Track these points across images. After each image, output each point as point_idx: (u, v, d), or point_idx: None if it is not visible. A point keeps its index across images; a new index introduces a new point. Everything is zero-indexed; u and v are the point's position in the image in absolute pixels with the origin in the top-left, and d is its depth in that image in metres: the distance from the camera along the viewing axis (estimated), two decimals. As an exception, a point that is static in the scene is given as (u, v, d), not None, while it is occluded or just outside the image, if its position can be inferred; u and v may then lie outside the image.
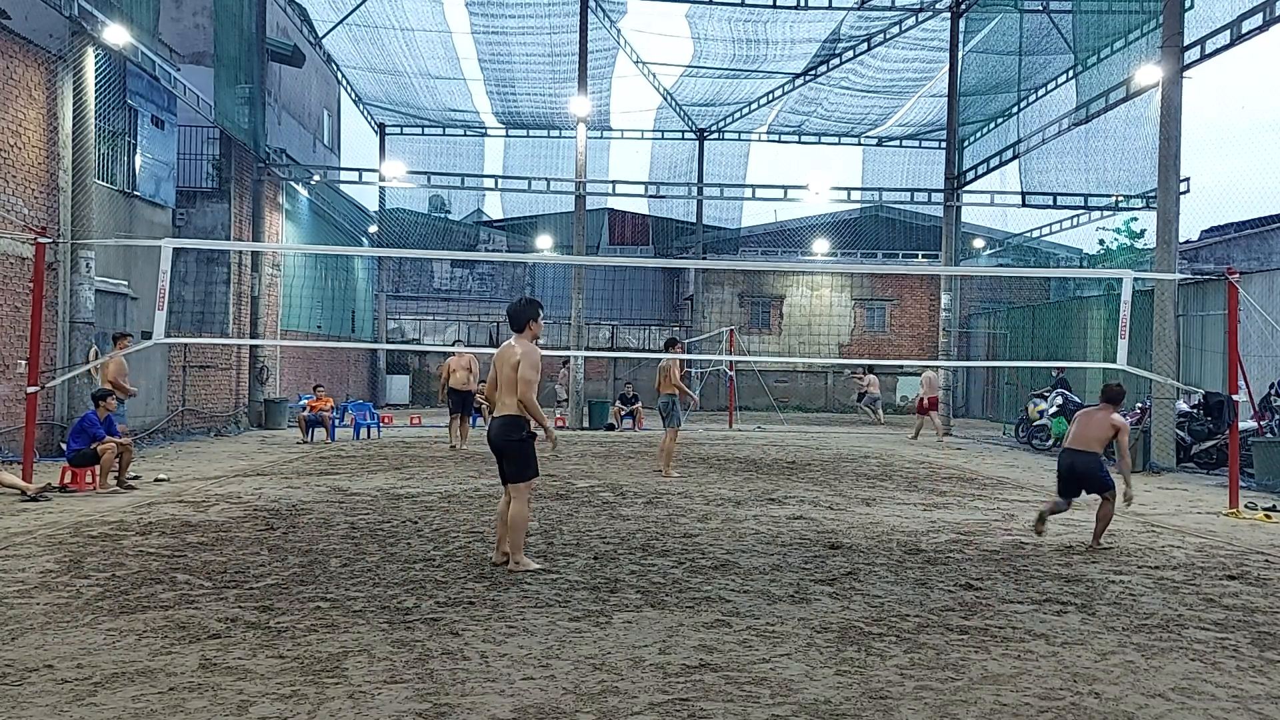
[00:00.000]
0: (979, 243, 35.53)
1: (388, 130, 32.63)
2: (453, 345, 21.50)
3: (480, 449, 16.26)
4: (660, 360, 13.03)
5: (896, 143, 33.51)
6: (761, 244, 38.05)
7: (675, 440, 12.72)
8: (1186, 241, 25.10)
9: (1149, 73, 16.60)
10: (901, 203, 33.73)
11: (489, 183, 29.29)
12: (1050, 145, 21.72)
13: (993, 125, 26.58)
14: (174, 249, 10.83)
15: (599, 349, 33.42)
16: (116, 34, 14.12)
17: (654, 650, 4.73)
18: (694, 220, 36.19)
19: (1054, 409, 17.91)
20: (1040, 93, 23.81)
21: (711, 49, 27.55)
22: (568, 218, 26.71)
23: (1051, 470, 9.44)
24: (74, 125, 14.22)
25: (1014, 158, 23.08)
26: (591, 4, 23.99)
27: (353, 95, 30.80)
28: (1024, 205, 24.57)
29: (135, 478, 10.86)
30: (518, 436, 6.50)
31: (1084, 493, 8.04)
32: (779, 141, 33.92)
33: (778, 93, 30.35)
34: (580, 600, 5.73)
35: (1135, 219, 33.55)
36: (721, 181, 31.96)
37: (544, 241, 36.73)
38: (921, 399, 21.58)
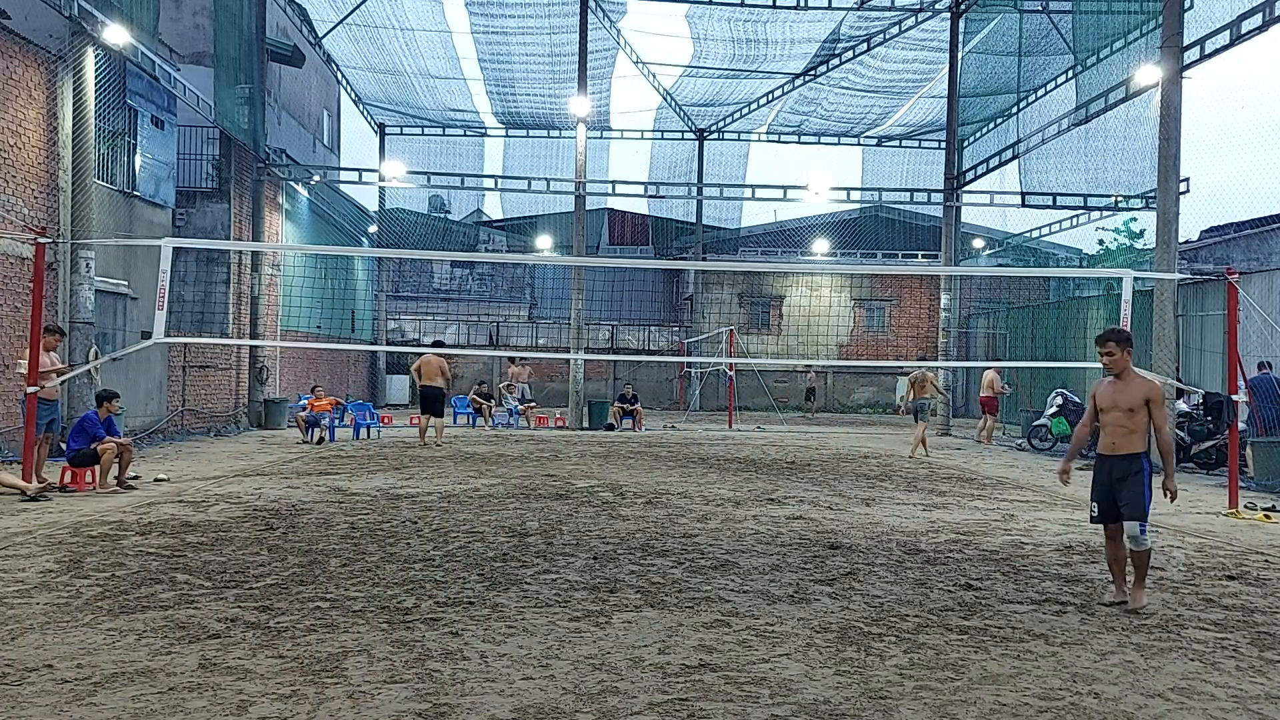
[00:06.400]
0: (979, 243, 35.55)
1: (387, 130, 32.63)
2: (431, 345, 21.10)
3: (481, 449, 16.27)
4: (914, 371, 17.12)
5: (896, 143, 33.51)
6: (761, 244, 38.06)
7: (924, 430, 16.77)
8: (1186, 241, 25.11)
9: (1148, 73, 16.61)
10: (901, 203, 33.75)
11: (489, 183, 29.29)
12: (1050, 145, 21.72)
13: (992, 125, 26.59)
14: (174, 249, 10.83)
15: (599, 349, 33.42)
16: (116, 34, 14.12)
17: (654, 650, 4.73)
18: (694, 220, 36.19)
19: (1053, 409, 17.92)
20: (1040, 93, 23.82)
21: (711, 49, 27.56)
22: (567, 218, 26.72)
23: (1051, 470, 9.34)
24: (74, 125, 14.22)
25: (1014, 158, 23.08)
26: (591, 4, 24.00)
27: (353, 95, 30.79)
28: (1024, 205, 24.58)
29: (135, 478, 10.86)
30: None
31: None
32: (779, 141, 33.93)
33: (777, 93, 30.35)
34: (580, 600, 5.73)
35: (1135, 219, 33.57)
36: (721, 181, 31.97)
37: (544, 241, 36.72)
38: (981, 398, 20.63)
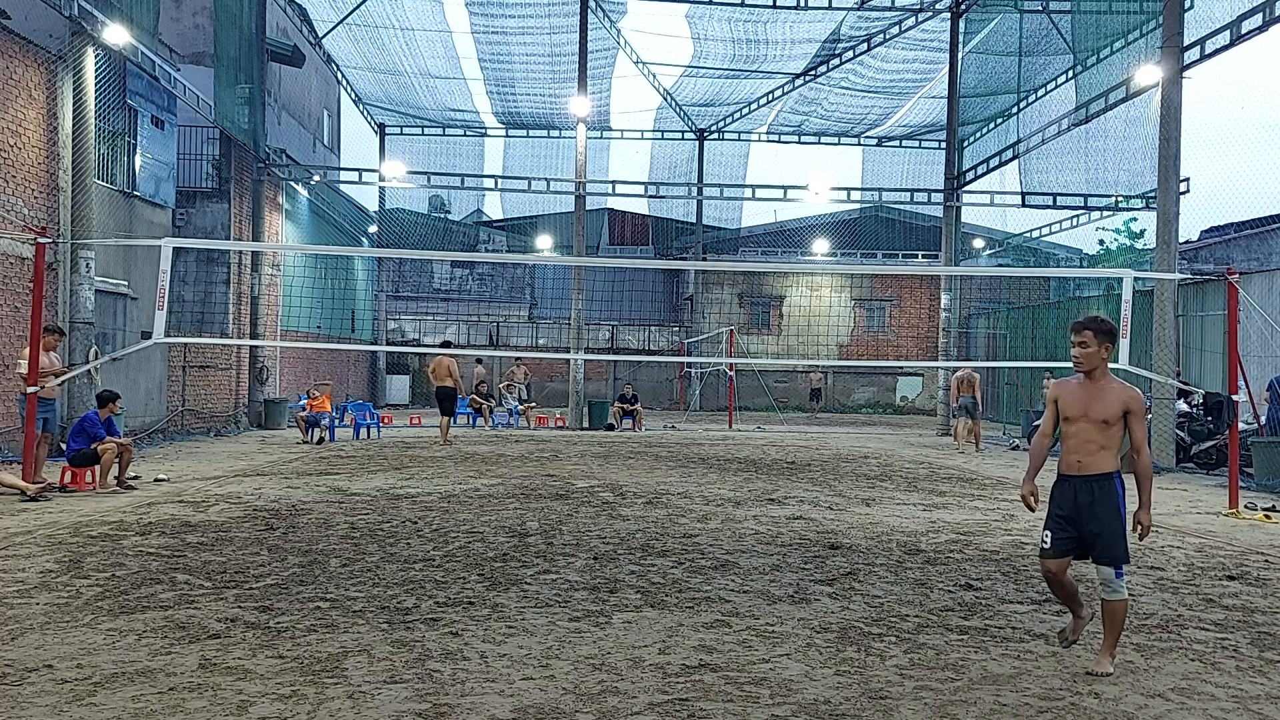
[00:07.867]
0: (979, 243, 35.56)
1: (388, 130, 32.63)
2: (440, 345, 21.46)
3: (481, 449, 16.27)
4: (960, 370, 18.47)
5: (896, 143, 33.53)
6: (761, 244, 38.07)
7: (978, 427, 18.53)
8: (1186, 241, 25.11)
9: (1149, 73, 16.61)
10: (901, 203, 33.76)
11: (489, 183, 29.31)
12: (1050, 145, 21.73)
13: (992, 125, 26.58)
14: (174, 249, 10.83)
15: (599, 349, 33.43)
16: (116, 34, 14.12)
17: (654, 650, 4.73)
18: (694, 220, 36.19)
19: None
20: (1040, 93, 23.81)
21: (711, 49, 27.57)
22: (568, 218, 26.72)
23: (1050, 470, 9.21)
24: (74, 125, 14.22)
25: (1014, 158, 23.08)
26: (591, 4, 24.00)
27: (353, 95, 30.80)
28: (1024, 205, 24.59)
29: (135, 478, 10.86)
30: None
31: None
32: (779, 141, 33.95)
33: (777, 93, 30.35)
34: (580, 600, 5.73)
35: (1135, 219, 33.59)
36: (721, 181, 31.99)
37: (544, 241, 36.74)
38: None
